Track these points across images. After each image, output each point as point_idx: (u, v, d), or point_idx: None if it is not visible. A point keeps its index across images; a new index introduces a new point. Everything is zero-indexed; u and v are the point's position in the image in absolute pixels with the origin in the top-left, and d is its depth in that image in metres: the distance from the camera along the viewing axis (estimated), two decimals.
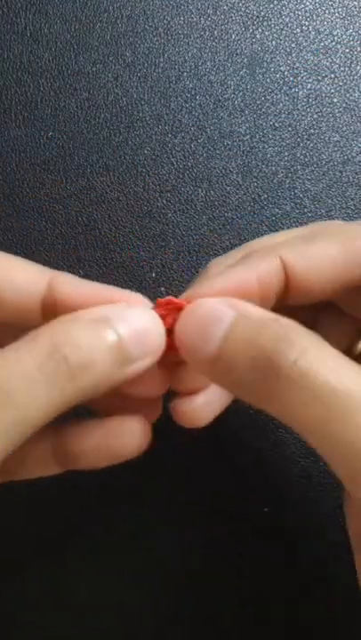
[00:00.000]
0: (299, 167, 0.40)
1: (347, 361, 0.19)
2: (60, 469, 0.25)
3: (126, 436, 0.23)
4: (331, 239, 0.22)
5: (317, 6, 0.41)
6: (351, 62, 0.41)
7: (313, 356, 0.18)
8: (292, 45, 0.41)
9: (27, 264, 0.23)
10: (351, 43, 0.41)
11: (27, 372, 0.18)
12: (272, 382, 0.18)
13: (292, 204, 0.40)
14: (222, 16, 0.41)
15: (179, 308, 0.21)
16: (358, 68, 0.41)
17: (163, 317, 0.21)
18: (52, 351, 0.18)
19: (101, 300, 0.21)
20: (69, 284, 0.22)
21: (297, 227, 0.40)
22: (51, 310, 0.22)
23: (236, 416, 0.38)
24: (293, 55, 0.41)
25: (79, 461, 0.24)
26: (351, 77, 0.41)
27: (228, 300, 0.20)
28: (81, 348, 0.19)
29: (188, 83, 0.41)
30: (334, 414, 0.18)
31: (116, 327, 0.20)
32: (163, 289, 0.39)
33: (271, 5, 0.41)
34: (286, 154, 0.40)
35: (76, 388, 0.19)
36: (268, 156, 0.40)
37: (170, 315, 0.21)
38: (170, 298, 0.22)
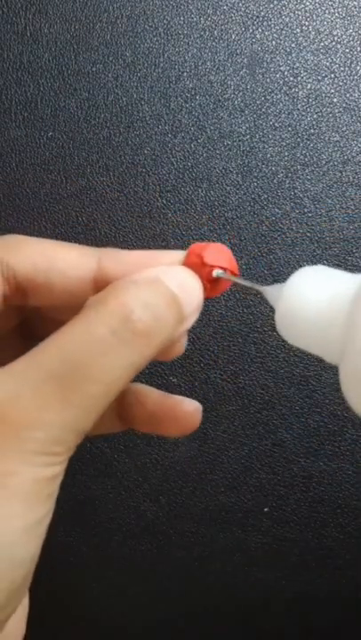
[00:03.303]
0: (299, 167, 0.40)
1: None
2: (123, 427, 0.25)
3: (184, 416, 0.23)
4: None
5: (317, 6, 0.41)
6: (351, 62, 0.41)
7: None
8: (292, 45, 0.41)
9: (73, 247, 0.22)
10: (351, 43, 0.41)
11: (103, 340, 0.17)
12: None
13: (292, 203, 0.40)
14: (222, 16, 0.41)
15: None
16: (358, 68, 0.41)
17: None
18: (124, 314, 0.18)
19: (148, 266, 0.21)
20: (114, 258, 0.21)
21: (297, 227, 0.40)
22: (104, 288, 0.21)
23: (237, 416, 0.38)
24: (293, 55, 0.41)
25: (135, 423, 0.24)
26: (351, 77, 0.41)
27: None
28: (150, 307, 0.18)
29: (188, 83, 0.41)
30: None
31: (170, 286, 0.20)
32: None
33: (271, 5, 0.41)
34: (286, 154, 0.40)
35: (152, 348, 0.18)
36: (268, 155, 0.40)
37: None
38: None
